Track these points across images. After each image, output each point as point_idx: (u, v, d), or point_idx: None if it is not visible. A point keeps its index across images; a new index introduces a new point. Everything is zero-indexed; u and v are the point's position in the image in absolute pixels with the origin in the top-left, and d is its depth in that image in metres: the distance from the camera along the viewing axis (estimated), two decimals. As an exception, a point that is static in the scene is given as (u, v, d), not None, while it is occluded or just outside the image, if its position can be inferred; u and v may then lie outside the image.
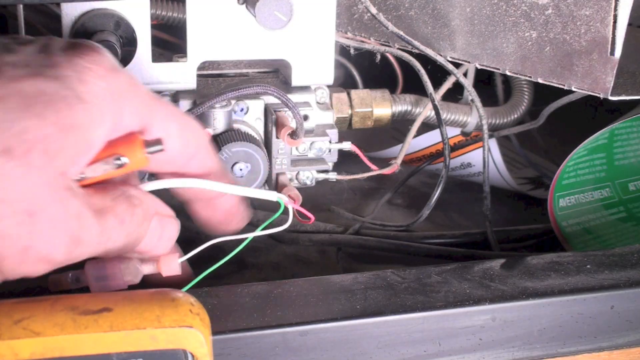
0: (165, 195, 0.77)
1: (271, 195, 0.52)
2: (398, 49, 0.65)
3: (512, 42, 0.60)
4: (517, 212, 0.78)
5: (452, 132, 0.78)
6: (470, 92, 0.65)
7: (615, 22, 0.54)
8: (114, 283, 0.47)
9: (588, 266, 0.56)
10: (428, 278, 0.54)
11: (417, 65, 0.63)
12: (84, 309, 0.41)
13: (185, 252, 0.50)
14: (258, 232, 0.52)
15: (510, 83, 0.82)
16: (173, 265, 0.48)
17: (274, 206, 0.73)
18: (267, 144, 0.60)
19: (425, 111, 0.70)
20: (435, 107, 0.65)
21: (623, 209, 0.71)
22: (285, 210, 0.52)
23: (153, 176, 0.53)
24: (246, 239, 0.51)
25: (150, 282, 0.49)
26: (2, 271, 0.39)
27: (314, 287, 0.53)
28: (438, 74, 0.67)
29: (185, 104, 0.59)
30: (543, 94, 0.75)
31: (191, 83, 0.60)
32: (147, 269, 0.48)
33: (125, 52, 0.55)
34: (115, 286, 0.47)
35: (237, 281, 0.64)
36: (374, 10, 0.61)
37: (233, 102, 0.59)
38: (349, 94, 0.68)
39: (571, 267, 0.56)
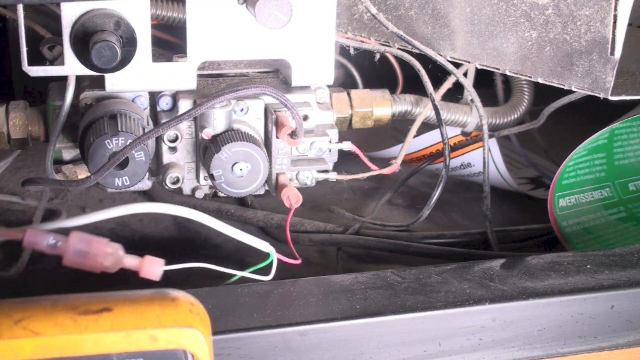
0: (164, 195, 0.77)
1: (264, 246, 0.54)
2: (398, 49, 0.65)
3: (512, 42, 0.60)
4: (517, 212, 0.78)
5: (452, 132, 0.78)
6: (470, 92, 0.65)
7: (615, 22, 0.54)
8: (91, 263, 0.47)
9: (588, 266, 0.56)
10: (428, 278, 0.54)
11: (417, 65, 0.63)
12: (84, 309, 0.41)
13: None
14: (244, 273, 0.53)
15: (510, 83, 0.82)
16: (156, 270, 0.48)
17: (273, 207, 0.74)
18: (267, 144, 0.60)
19: (425, 111, 0.70)
20: (435, 107, 0.65)
21: (623, 209, 0.71)
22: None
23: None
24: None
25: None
26: None
27: (314, 287, 0.53)
28: (438, 74, 0.67)
29: (185, 104, 0.59)
30: (543, 94, 0.75)
31: (191, 83, 0.60)
32: (128, 263, 0.48)
33: (125, 52, 0.55)
34: (90, 266, 0.47)
35: (237, 281, 0.64)
36: (374, 10, 0.61)
37: (233, 102, 0.59)
38: (349, 94, 0.68)
39: (571, 267, 0.56)
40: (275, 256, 0.53)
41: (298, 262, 0.53)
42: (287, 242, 0.70)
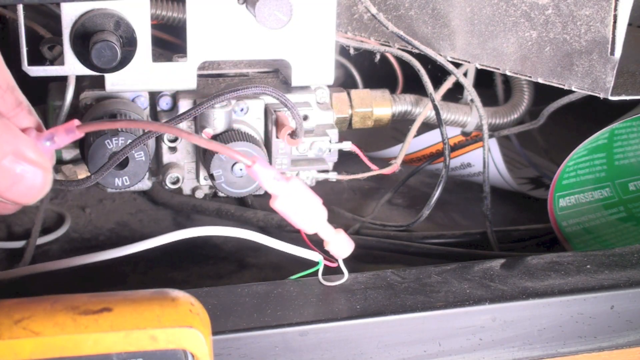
0: (164, 195, 0.76)
1: (314, 256, 0.54)
2: (398, 49, 0.65)
3: (512, 42, 0.60)
4: (517, 212, 0.78)
5: (452, 132, 0.78)
6: (470, 92, 0.65)
7: (615, 22, 0.54)
8: (297, 215, 0.46)
9: (588, 266, 0.56)
10: (428, 278, 0.54)
11: (417, 65, 0.63)
12: (84, 309, 0.41)
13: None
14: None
15: (510, 83, 0.82)
16: (345, 250, 0.49)
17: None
18: (267, 144, 0.60)
19: (425, 111, 0.70)
20: (435, 107, 0.65)
21: (623, 209, 0.71)
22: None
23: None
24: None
25: None
26: None
27: (314, 287, 0.53)
28: (438, 74, 0.67)
29: (185, 104, 0.59)
30: (543, 94, 0.75)
31: (191, 83, 0.60)
32: (325, 233, 0.48)
33: (125, 52, 0.55)
34: (292, 218, 0.46)
35: (237, 281, 0.64)
36: (374, 10, 0.61)
37: (233, 102, 0.59)
38: (349, 94, 0.68)
39: (571, 267, 0.56)
40: (323, 263, 0.53)
41: (335, 265, 0.54)
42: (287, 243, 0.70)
